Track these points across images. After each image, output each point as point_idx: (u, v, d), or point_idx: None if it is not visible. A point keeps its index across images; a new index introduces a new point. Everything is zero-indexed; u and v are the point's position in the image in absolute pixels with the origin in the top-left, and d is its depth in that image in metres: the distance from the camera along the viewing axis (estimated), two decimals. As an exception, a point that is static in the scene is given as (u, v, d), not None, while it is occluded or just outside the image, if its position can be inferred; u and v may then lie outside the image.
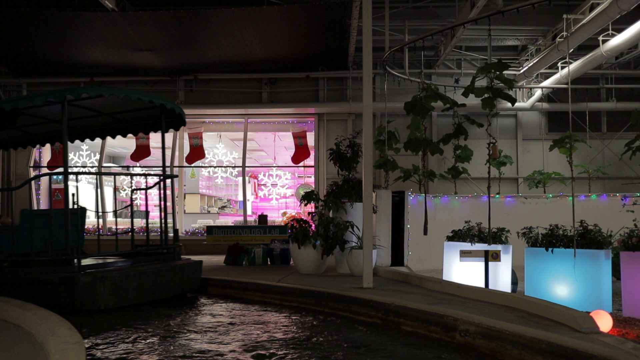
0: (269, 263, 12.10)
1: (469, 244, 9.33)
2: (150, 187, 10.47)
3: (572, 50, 12.25)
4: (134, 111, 9.67)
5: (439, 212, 13.17)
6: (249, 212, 20.34)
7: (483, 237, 9.37)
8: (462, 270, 9.35)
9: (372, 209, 8.20)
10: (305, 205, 10.56)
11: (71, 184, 17.35)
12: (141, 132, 10.61)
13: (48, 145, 16.35)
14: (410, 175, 12.19)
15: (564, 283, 8.15)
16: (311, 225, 10.26)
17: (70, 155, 16.56)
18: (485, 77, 9.73)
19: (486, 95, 9.74)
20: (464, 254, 8.34)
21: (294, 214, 17.03)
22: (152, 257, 8.94)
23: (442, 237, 12.61)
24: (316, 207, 10.52)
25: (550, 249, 8.26)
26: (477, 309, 6.32)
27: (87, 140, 17.04)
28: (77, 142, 17.44)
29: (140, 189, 10.52)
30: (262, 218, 13.25)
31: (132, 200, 10.50)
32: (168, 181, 9.94)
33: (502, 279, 9.01)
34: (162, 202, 9.45)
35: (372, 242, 8.06)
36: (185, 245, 15.45)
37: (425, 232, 11.05)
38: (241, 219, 16.39)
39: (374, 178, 11.03)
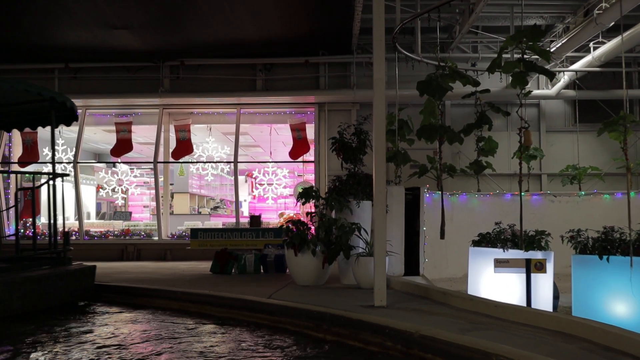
0: (262, 271, 10.50)
1: (501, 250, 7.72)
2: (38, 187, 9.81)
3: (611, 24, 10.63)
4: (22, 104, 8.73)
5: (456, 211, 11.57)
6: (245, 213, 18.76)
7: (517, 242, 7.77)
8: (493, 281, 7.74)
9: (384, 210, 6.62)
10: (304, 204, 8.94)
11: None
12: (28, 128, 9.95)
13: (19, 140, 14.80)
14: (427, 170, 10.62)
15: (622, 299, 6.55)
16: (310, 228, 8.65)
17: (45, 150, 14.95)
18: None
19: (517, 70, 8.16)
20: (500, 264, 6.72)
21: (292, 215, 15.40)
22: (36, 262, 8.18)
23: (461, 240, 11.04)
24: (316, 207, 8.91)
25: (604, 257, 6.65)
26: (525, 338, 4.76)
27: (65, 134, 15.56)
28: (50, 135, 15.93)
29: (25, 189, 9.44)
30: (255, 219, 11.62)
31: (17, 199, 9.49)
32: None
33: (541, 292, 7.40)
34: (53, 204, 8.84)
35: (385, 249, 6.45)
36: (170, 250, 13.90)
37: (442, 236, 9.48)
38: (234, 220, 14.76)
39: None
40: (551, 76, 8.06)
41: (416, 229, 9.54)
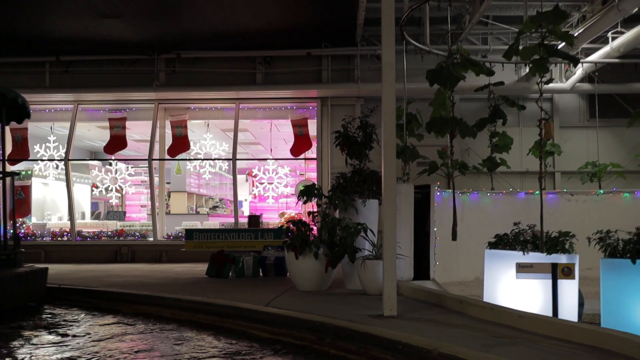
0: (261, 275, 9.86)
1: (521, 252, 7.05)
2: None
3: (634, 10, 9.95)
4: None
5: (467, 211, 10.92)
6: (246, 213, 18.11)
7: (538, 244, 7.11)
8: (511, 287, 7.08)
9: (394, 208, 5.98)
10: (305, 202, 8.29)
11: (35, 180, 15.17)
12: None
13: (8, 136, 14.16)
14: (437, 167, 9.98)
15: (657, 307, 5.89)
16: (312, 229, 8.00)
17: (36, 148, 14.33)
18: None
19: (536, 57, 7.50)
20: (523, 269, 6.07)
21: (293, 214, 14.74)
22: None
23: (472, 241, 10.42)
24: (319, 206, 8.25)
25: (638, 261, 5.99)
26: (559, 355, 4.12)
27: (56, 131, 14.94)
28: (43, 132, 15.35)
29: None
30: (253, 219, 10.96)
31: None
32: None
33: (566, 299, 6.73)
34: (2, 204, 8.27)
35: (394, 252, 5.80)
36: (166, 252, 13.27)
37: (454, 237, 8.85)
38: (233, 221, 14.10)
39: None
40: (575, 62, 7.43)
41: (426, 230, 8.89)
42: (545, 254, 6.78)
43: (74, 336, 5.76)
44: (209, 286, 8.67)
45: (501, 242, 7.53)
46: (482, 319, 5.64)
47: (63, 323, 6.54)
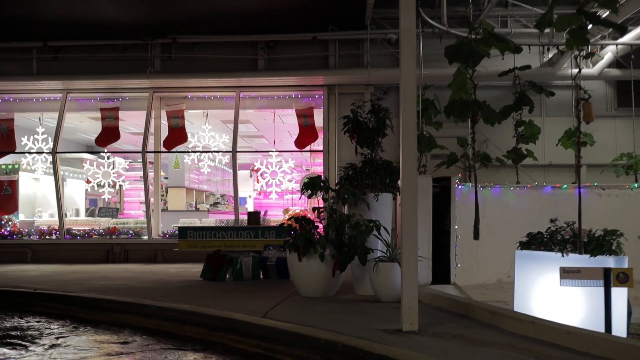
0: (261, 277, 8.91)
1: (559, 254, 6.06)
2: None
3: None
4: None
5: (488, 207, 9.90)
6: (250, 209, 17.12)
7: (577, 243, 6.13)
8: (548, 293, 6.09)
9: (415, 201, 4.98)
10: (310, 197, 7.32)
11: (23, 175, 14.27)
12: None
13: (-7, 128, 13.28)
14: (457, 159, 9.01)
15: None
16: (317, 227, 7.04)
17: (24, 140, 13.41)
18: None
19: (573, 27, 6.49)
20: (568, 274, 5.08)
21: (298, 211, 13.77)
22: None
23: (493, 240, 9.45)
24: (325, 200, 7.29)
25: None
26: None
27: (46, 122, 14.03)
28: (31, 124, 14.44)
29: None
30: (253, 216, 9.99)
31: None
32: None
33: (613, 308, 5.72)
34: None
35: (416, 254, 4.84)
36: (161, 251, 12.37)
37: (476, 236, 7.87)
38: (234, 218, 13.15)
39: (398, 163, 7.79)
40: (623, 30, 6.41)
41: (445, 228, 7.92)
42: (590, 255, 5.80)
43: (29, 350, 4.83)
44: (201, 291, 7.74)
45: (534, 242, 6.54)
46: (521, 334, 4.68)
47: (22, 336, 5.61)
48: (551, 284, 6.00)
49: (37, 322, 6.43)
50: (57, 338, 5.50)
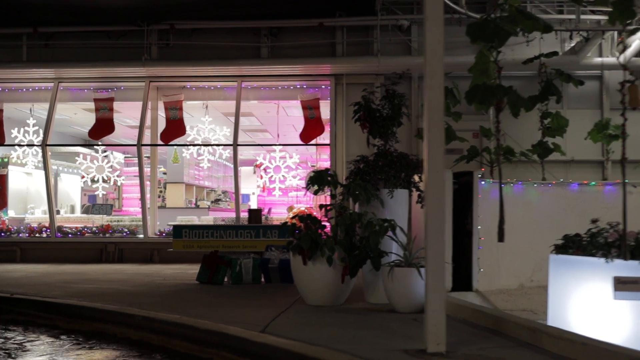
0: (262, 281, 8.14)
1: (602, 259, 5.26)
2: None
3: None
4: None
5: (509, 205, 8.98)
6: (254, 207, 16.36)
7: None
8: (589, 304, 5.30)
9: (443, 198, 4.21)
10: (316, 192, 6.54)
11: (14, 169, 13.55)
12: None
13: (-20, 119, 12.54)
14: (477, 153, 8.21)
15: None
16: (325, 226, 6.27)
17: (14, 132, 12.68)
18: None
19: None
20: (625, 285, 4.30)
21: (303, 209, 12.99)
22: None
23: (515, 241, 8.61)
24: (333, 197, 6.51)
25: None
26: None
27: (36, 114, 13.29)
28: (21, 115, 13.69)
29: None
30: (254, 214, 9.21)
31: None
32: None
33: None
34: None
35: (443, 260, 4.07)
36: (157, 250, 11.66)
37: (500, 238, 7.09)
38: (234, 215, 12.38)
39: (415, 155, 6.97)
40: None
41: (467, 229, 7.15)
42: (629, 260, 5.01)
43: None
44: (196, 297, 7.00)
45: (572, 245, 5.76)
46: (568, 357, 3.90)
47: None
48: (592, 293, 5.21)
49: (2, 331, 5.70)
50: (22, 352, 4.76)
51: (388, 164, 6.45)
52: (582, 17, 11.44)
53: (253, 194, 18.55)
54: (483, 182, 8.41)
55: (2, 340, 5.34)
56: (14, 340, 5.33)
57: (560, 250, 5.84)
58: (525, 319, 4.82)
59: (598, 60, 11.65)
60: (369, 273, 6.24)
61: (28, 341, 5.33)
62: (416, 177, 6.70)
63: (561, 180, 9.83)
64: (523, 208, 9.18)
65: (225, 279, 8.05)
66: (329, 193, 6.75)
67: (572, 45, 11.75)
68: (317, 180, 6.32)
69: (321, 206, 6.42)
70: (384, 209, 6.26)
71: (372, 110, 6.57)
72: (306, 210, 12.23)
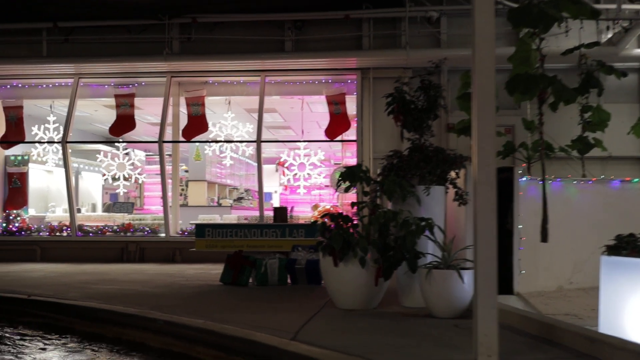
0: (288, 282, 7.79)
1: (662, 262, 4.83)
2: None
3: None
4: None
5: (548, 203, 8.67)
6: (276, 205, 16.01)
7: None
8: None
9: (494, 195, 3.83)
10: (347, 190, 6.17)
11: (35, 167, 13.36)
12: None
13: (1, 115, 12.37)
14: (514, 149, 7.83)
15: None
16: (357, 225, 5.90)
17: (34, 130, 12.48)
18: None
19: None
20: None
21: (328, 207, 12.61)
22: None
23: (554, 241, 8.21)
24: (365, 194, 6.14)
25: None
26: None
27: (57, 111, 13.09)
28: (42, 112, 13.48)
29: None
30: (280, 212, 8.86)
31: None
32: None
33: None
34: None
35: (495, 264, 3.68)
36: (179, 250, 11.41)
37: (544, 238, 6.72)
38: (258, 214, 12.03)
39: (452, 150, 6.53)
40: None
41: (509, 228, 6.73)
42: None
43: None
44: (220, 299, 6.68)
45: (625, 247, 5.32)
46: (636, 372, 3.49)
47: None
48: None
49: (18, 337, 5.41)
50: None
51: (424, 159, 6.05)
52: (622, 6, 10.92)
53: (275, 192, 18.22)
54: (521, 179, 8.01)
55: (13, 346, 5.06)
56: (28, 347, 5.05)
57: (613, 251, 5.39)
58: (581, 327, 4.41)
59: (638, 51, 11.14)
60: (403, 275, 5.86)
61: (40, 349, 5.04)
62: (452, 174, 6.30)
63: (602, 177, 9.34)
64: (562, 206, 8.71)
65: (250, 280, 7.71)
66: (354, 191, 6.37)
67: (610, 36, 11.23)
68: (350, 176, 5.95)
69: (353, 204, 6.05)
70: (419, 207, 5.87)
71: (407, 102, 6.18)
72: (332, 209, 11.86)
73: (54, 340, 5.32)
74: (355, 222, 5.95)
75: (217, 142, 12.81)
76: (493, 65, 3.75)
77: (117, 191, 12.72)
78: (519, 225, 6.83)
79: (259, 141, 11.58)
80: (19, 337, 5.43)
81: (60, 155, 12.21)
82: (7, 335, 5.51)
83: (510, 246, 6.75)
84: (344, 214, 6.07)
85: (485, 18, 3.73)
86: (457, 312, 5.33)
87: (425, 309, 5.56)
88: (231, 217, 12.50)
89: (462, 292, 5.34)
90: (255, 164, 12.15)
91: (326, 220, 5.93)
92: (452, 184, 6.19)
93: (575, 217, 8.53)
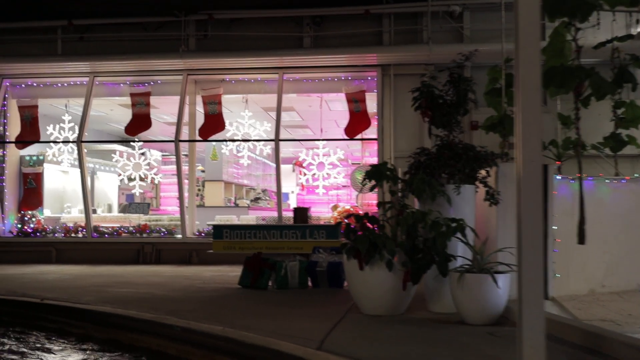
0: (309, 285, 7.51)
1: None
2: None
3: None
4: None
5: (578, 203, 8.32)
6: (293, 206, 15.74)
7: None
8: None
9: (539, 194, 3.56)
10: (372, 189, 5.89)
11: (50, 167, 13.21)
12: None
13: (16, 115, 12.22)
14: (544, 146, 7.46)
15: None
16: (384, 226, 5.60)
17: (49, 129, 12.32)
18: None
19: None
20: None
21: (348, 207, 12.31)
22: None
23: (587, 243, 7.89)
24: (392, 194, 5.84)
25: None
26: None
27: (72, 110, 12.92)
28: (57, 111, 13.31)
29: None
30: (300, 213, 8.60)
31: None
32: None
33: None
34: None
35: (541, 269, 3.37)
36: (196, 251, 11.16)
37: (581, 240, 6.40)
38: (277, 214, 11.74)
39: (483, 147, 6.20)
40: None
41: (543, 229, 6.39)
42: None
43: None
44: (239, 304, 6.42)
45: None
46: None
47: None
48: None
49: (32, 342, 5.18)
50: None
51: (453, 157, 5.75)
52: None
53: (292, 192, 17.98)
54: (558, 178, 7.69)
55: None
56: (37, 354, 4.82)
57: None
58: (633, 337, 4.07)
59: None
60: (432, 279, 5.55)
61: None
62: (482, 172, 5.99)
63: (636, 175, 8.97)
64: (593, 206, 8.32)
65: (270, 283, 7.45)
66: (375, 191, 6.07)
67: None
68: (375, 175, 5.65)
69: (379, 204, 5.76)
70: (450, 208, 5.56)
71: (435, 97, 5.87)
72: (352, 210, 11.56)
73: (64, 347, 5.08)
74: (381, 222, 5.66)
75: (234, 141, 12.57)
76: (538, 54, 3.43)
77: (133, 192, 12.51)
78: (553, 226, 6.48)
79: (277, 140, 11.32)
80: (32, 344, 5.21)
81: (75, 155, 12.03)
82: (21, 339, 5.29)
83: (545, 249, 6.40)
84: (371, 214, 5.79)
85: (530, 4, 3.41)
86: (490, 318, 5.02)
87: (456, 315, 5.27)
88: (249, 218, 12.25)
89: (497, 297, 5.03)
90: (272, 164, 11.90)
91: (350, 221, 5.64)
92: (482, 183, 5.87)
93: (607, 217, 8.16)
